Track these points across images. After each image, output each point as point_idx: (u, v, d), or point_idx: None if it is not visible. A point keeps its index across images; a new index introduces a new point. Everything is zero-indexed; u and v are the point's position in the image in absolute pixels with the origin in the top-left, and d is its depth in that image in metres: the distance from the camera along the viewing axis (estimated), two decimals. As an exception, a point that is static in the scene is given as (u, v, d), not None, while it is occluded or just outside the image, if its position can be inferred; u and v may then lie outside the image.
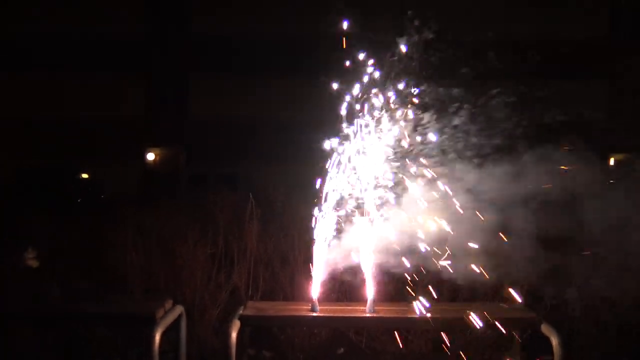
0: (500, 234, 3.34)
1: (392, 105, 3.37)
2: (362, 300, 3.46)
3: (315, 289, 3.39)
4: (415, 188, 3.33)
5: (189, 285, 4.27)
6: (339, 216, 3.44)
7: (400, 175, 3.37)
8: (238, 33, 18.26)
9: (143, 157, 18.98)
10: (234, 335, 3.09)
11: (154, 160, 18.92)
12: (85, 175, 16.47)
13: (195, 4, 18.77)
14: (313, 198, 3.66)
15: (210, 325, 4.23)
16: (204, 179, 13.12)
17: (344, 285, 4.03)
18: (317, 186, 3.48)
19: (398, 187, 3.38)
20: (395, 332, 3.81)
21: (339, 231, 3.45)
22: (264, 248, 4.49)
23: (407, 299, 3.42)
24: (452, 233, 3.26)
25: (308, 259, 4.29)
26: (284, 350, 4.39)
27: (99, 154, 17.88)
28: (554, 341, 3.21)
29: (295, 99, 18.46)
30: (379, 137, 3.39)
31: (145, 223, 4.52)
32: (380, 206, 3.37)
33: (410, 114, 3.34)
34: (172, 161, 19.02)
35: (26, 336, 4.20)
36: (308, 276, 4.24)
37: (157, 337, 3.07)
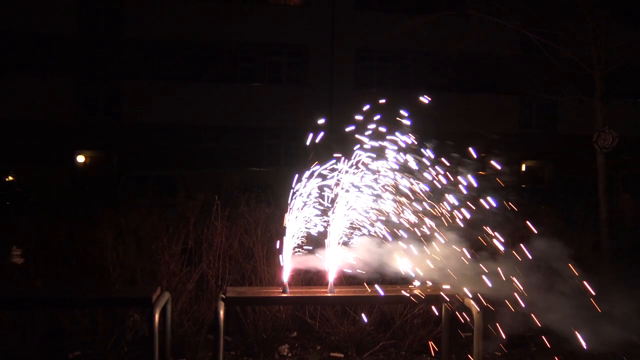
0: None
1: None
2: (322, 284, 4.20)
3: (285, 275, 4.07)
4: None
5: (163, 277, 4.80)
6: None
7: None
8: (171, 39, 18.51)
9: (73, 160, 18.75)
10: (221, 313, 3.69)
11: (85, 163, 18.74)
12: (10, 178, 16.07)
13: (129, 9, 18.82)
14: (270, 199, 4.31)
15: (183, 310, 4.78)
16: (143, 181, 13.42)
17: (308, 273, 4.70)
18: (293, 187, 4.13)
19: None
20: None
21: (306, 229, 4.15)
22: (229, 244, 5.10)
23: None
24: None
25: (269, 253, 4.99)
26: (242, 334, 5.01)
27: (26, 157, 17.52)
28: (475, 314, 3.98)
29: (228, 105, 18.93)
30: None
31: (122, 222, 5.02)
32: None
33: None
34: (104, 164, 18.91)
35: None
36: (269, 267, 4.93)
37: (157, 317, 3.61)
